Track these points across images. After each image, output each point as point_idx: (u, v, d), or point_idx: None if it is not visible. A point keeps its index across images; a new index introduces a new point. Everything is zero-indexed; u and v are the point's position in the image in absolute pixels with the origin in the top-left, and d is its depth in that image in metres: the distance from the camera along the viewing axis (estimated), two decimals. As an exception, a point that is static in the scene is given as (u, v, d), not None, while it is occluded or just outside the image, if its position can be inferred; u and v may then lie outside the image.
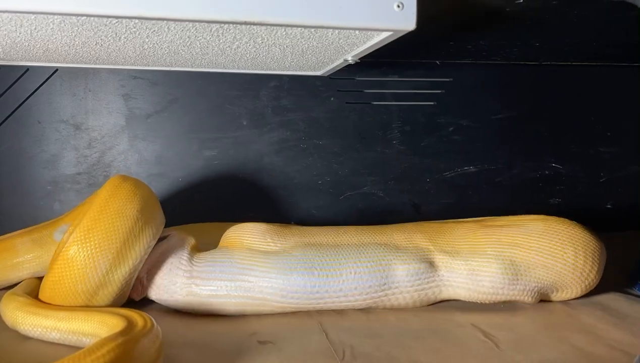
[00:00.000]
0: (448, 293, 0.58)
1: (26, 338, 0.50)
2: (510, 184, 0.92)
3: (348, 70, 0.76)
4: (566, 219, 0.59)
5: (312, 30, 0.46)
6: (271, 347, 0.50)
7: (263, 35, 0.49)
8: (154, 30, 0.47)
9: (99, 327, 0.48)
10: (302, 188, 0.87)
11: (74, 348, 0.48)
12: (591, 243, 0.57)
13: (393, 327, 0.55)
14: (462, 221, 0.66)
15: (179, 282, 0.56)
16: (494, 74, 0.90)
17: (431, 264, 0.57)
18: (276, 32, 0.47)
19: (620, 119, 0.95)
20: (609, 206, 0.95)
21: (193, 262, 0.57)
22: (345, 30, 0.47)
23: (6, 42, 0.52)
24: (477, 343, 0.51)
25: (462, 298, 0.59)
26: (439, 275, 0.57)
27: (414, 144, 0.90)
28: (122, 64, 0.67)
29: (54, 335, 0.49)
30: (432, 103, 0.89)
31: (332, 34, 0.48)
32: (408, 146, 0.89)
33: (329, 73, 0.76)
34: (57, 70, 0.79)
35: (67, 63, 0.71)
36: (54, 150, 0.80)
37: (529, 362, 0.47)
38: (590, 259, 0.56)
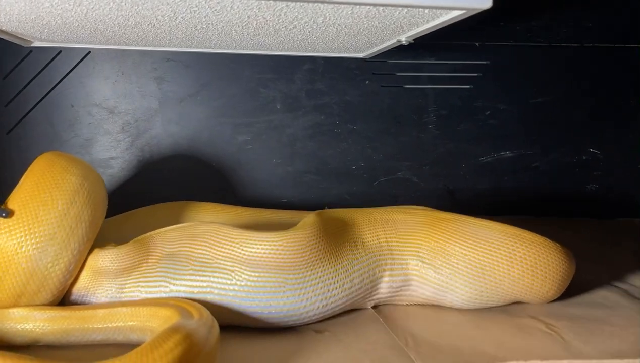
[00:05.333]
0: (408, 300, 0.56)
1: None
2: (547, 169, 0.91)
3: (384, 53, 0.74)
4: (537, 237, 0.54)
5: (381, 8, 0.44)
6: (330, 336, 0.49)
7: (326, 14, 0.46)
8: (216, 10, 0.45)
9: (150, 320, 0.44)
10: (336, 173, 0.86)
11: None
12: (559, 270, 0.54)
13: (450, 316, 0.54)
14: (440, 217, 0.58)
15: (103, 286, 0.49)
16: (533, 56, 0.88)
17: (407, 274, 0.54)
18: (342, 11, 0.45)
19: (661, 103, 0.93)
20: (646, 192, 0.94)
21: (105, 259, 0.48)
22: (413, 9, 0.45)
23: (56, 22, 0.50)
24: (541, 335, 0.49)
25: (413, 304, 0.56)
26: (411, 286, 0.54)
27: (450, 128, 0.88)
28: (165, 46, 0.65)
29: (94, 337, 0.45)
30: (468, 86, 0.87)
31: (399, 12, 0.46)
32: (444, 130, 0.88)
33: (373, 55, 0.73)
34: (89, 52, 0.77)
35: (100, 45, 0.69)
36: (87, 135, 0.79)
37: (598, 353, 0.46)
38: (556, 287, 0.54)
